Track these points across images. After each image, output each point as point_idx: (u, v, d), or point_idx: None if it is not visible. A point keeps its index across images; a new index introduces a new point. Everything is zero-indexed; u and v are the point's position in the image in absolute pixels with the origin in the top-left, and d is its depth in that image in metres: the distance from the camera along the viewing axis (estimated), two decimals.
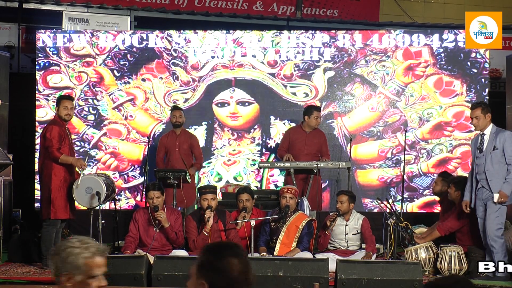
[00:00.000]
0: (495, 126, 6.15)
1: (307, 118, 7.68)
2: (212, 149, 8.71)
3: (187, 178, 7.26)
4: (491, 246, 5.87)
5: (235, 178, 8.67)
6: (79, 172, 6.44)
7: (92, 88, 8.71)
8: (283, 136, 8.05)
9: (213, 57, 8.76)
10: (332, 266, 5.46)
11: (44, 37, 8.72)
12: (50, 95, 8.65)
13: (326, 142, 7.83)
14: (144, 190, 7.45)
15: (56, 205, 6.37)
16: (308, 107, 7.85)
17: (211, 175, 8.68)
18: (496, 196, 5.86)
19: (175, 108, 7.96)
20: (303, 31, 8.90)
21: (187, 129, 8.13)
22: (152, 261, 5.49)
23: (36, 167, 7.35)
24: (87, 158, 8.43)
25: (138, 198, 8.46)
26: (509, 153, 5.89)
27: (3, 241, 7.03)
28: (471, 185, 6.09)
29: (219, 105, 8.79)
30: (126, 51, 8.74)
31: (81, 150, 8.48)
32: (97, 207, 6.38)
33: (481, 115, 5.99)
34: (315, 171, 7.39)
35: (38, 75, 8.69)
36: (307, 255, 6.19)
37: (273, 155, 8.59)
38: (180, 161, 7.51)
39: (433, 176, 8.35)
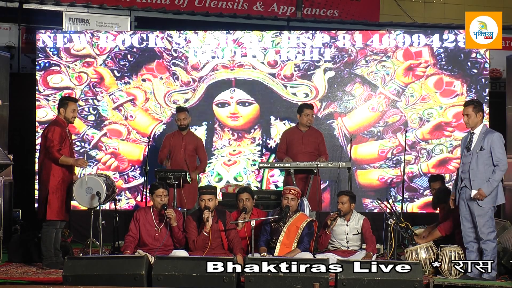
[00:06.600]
0: (486, 126, 6.13)
1: (299, 116, 7.68)
2: (212, 149, 8.72)
3: (187, 178, 7.25)
4: (484, 249, 5.84)
5: (235, 179, 8.67)
6: (81, 170, 6.42)
7: (92, 88, 8.72)
8: (280, 139, 8.00)
9: (213, 57, 8.76)
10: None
11: (44, 37, 8.73)
12: (50, 95, 8.66)
13: (323, 141, 7.78)
14: (144, 190, 7.46)
15: (51, 206, 6.35)
16: (300, 106, 7.80)
17: (211, 175, 8.68)
18: (473, 192, 5.80)
19: (179, 110, 7.72)
20: (303, 31, 8.90)
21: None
22: (152, 261, 5.49)
23: (36, 167, 7.35)
24: (85, 156, 8.40)
25: (138, 198, 8.46)
26: (496, 155, 5.82)
27: (3, 241, 7.02)
28: (457, 183, 6.09)
29: (219, 105, 8.79)
30: (126, 52, 8.75)
31: (81, 151, 8.48)
32: (98, 207, 6.37)
33: (472, 113, 5.97)
34: (315, 171, 7.38)
35: (38, 75, 8.70)
36: (308, 255, 6.18)
37: (273, 156, 8.59)
38: (184, 162, 7.49)
39: None
